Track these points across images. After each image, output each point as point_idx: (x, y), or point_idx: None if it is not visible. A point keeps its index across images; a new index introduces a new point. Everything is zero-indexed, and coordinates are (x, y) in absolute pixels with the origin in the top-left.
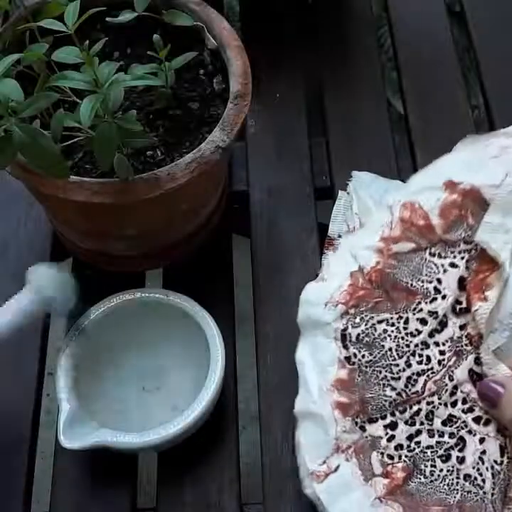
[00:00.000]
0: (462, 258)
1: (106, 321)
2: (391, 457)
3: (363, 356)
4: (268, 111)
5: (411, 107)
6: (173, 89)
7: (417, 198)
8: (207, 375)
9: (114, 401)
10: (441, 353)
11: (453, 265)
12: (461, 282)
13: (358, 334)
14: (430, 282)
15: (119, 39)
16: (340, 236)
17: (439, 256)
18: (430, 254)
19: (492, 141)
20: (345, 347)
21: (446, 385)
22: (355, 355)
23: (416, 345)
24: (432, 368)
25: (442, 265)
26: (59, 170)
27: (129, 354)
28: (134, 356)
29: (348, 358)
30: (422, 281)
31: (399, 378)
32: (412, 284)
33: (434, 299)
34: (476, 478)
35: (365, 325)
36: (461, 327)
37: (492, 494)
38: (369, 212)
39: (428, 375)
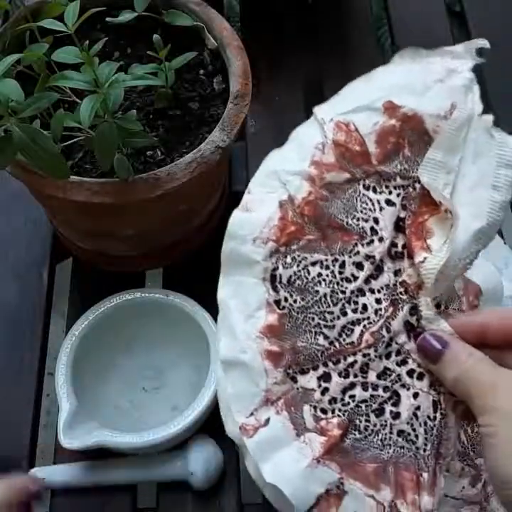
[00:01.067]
0: (398, 195)
1: (106, 321)
2: (324, 411)
3: (295, 301)
4: (268, 111)
5: None
6: (173, 89)
7: (353, 118)
8: (207, 375)
9: (114, 401)
10: (378, 301)
11: (389, 202)
12: (398, 223)
13: (290, 276)
14: (366, 221)
15: (119, 39)
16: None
17: (374, 190)
18: (364, 187)
19: (437, 60)
20: (275, 289)
21: (383, 336)
22: (285, 299)
23: (352, 292)
24: (368, 318)
25: (378, 202)
26: (59, 170)
27: (129, 354)
28: (134, 356)
29: (277, 302)
30: (358, 220)
31: (333, 327)
32: (347, 222)
33: (371, 240)
34: (409, 434)
35: (298, 266)
36: (396, 273)
37: (424, 450)
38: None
39: (365, 326)
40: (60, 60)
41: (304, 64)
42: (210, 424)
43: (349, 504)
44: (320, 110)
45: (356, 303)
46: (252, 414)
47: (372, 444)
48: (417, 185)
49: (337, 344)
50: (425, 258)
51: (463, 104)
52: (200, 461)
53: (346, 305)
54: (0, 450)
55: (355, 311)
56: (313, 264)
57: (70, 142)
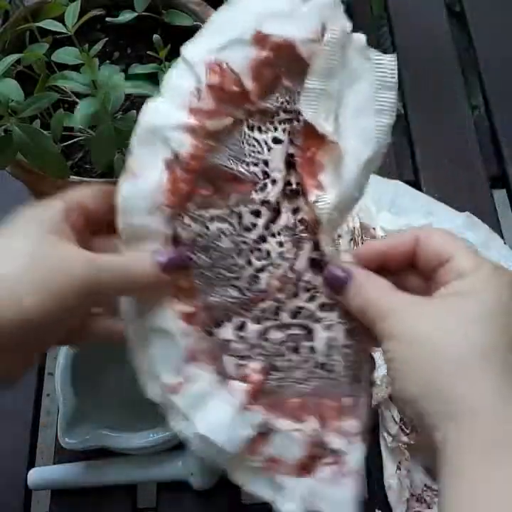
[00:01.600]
0: (284, 130)
1: None
2: (245, 358)
3: (200, 259)
4: None
5: (411, 107)
6: None
7: (224, 56)
8: None
9: (114, 401)
10: (280, 244)
11: (276, 141)
12: (288, 160)
13: (191, 237)
14: (256, 164)
15: (119, 39)
16: (340, 236)
17: (260, 130)
18: (249, 127)
19: None
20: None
21: (290, 278)
22: (193, 261)
23: (254, 241)
24: (273, 263)
25: (265, 142)
26: (59, 170)
27: (130, 354)
28: None
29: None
30: (248, 165)
31: (241, 278)
32: (238, 170)
33: (265, 185)
34: (327, 365)
35: (196, 225)
36: (294, 211)
37: (344, 377)
38: (369, 211)
39: (270, 271)
40: (60, 60)
41: None
42: None
43: (277, 441)
44: (187, 51)
45: (260, 250)
46: (177, 372)
47: (294, 381)
48: (301, 118)
49: (248, 293)
50: (318, 196)
51: (333, 24)
52: (200, 461)
53: (250, 254)
54: (0, 450)
55: (259, 258)
56: (211, 219)
57: (70, 142)
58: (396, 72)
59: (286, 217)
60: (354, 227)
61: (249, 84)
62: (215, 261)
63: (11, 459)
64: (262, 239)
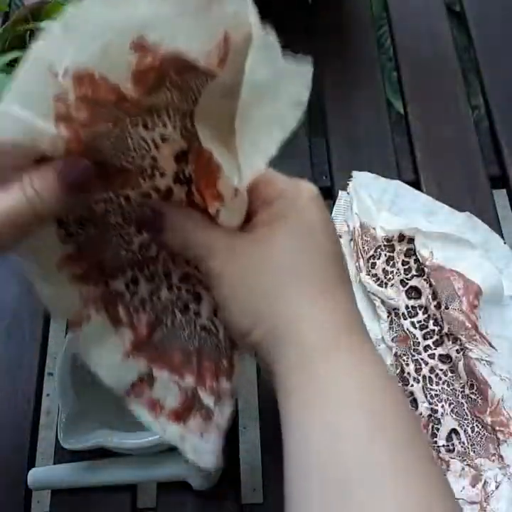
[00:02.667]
0: (175, 128)
1: None
2: (136, 310)
3: (88, 232)
4: None
5: (411, 107)
6: None
7: (96, 65)
8: None
9: (114, 401)
10: None
11: (164, 139)
12: (179, 155)
13: (76, 218)
14: (143, 158)
15: None
16: (340, 236)
17: (146, 127)
18: (133, 124)
19: None
20: (65, 228)
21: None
22: (78, 232)
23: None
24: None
25: (153, 140)
26: None
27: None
28: None
29: (70, 235)
30: (133, 158)
31: (132, 242)
32: (122, 164)
33: (153, 175)
34: (211, 329)
35: (82, 208)
36: (187, 194)
37: (225, 342)
38: (369, 211)
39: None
40: None
41: None
42: None
43: (158, 389)
44: (44, 53)
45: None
46: (76, 312)
47: (179, 338)
48: (195, 123)
49: (139, 255)
50: (218, 211)
51: (237, 32)
52: None
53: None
54: (0, 450)
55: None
56: (96, 202)
57: None
58: (309, 87)
59: (179, 199)
60: (354, 227)
61: (128, 89)
62: (105, 231)
63: (11, 459)
64: None
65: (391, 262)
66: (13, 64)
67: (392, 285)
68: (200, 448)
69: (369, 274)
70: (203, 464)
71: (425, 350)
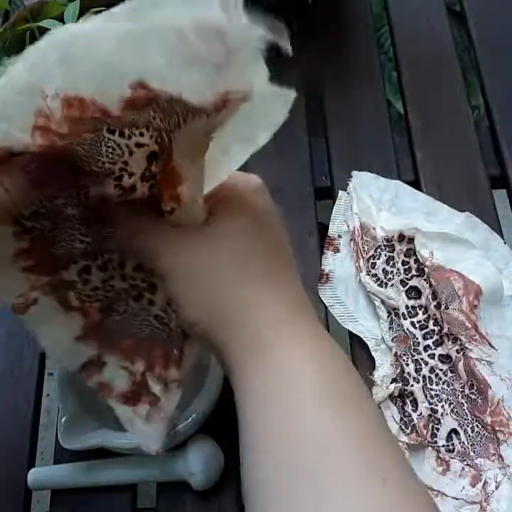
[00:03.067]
0: (151, 137)
1: None
2: (88, 296)
3: (44, 226)
4: None
5: (411, 107)
6: None
7: (89, 91)
8: (207, 375)
9: None
10: None
11: (139, 145)
12: (151, 157)
13: (32, 211)
14: (114, 163)
15: None
16: (340, 236)
17: (122, 135)
18: (109, 131)
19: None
20: (20, 224)
21: None
22: (34, 227)
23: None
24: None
25: (127, 146)
26: None
27: None
28: None
29: (25, 230)
30: (103, 164)
31: (87, 235)
32: (91, 169)
33: (121, 176)
34: (164, 318)
35: (40, 203)
36: (150, 187)
37: (176, 332)
38: (369, 211)
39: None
40: None
41: (304, 64)
42: (210, 424)
43: (107, 372)
44: (36, 72)
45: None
46: (20, 296)
47: (131, 325)
48: (172, 137)
49: (94, 247)
50: (173, 209)
51: (235, 88)
52: (200, 461)
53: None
54: (0, 450)
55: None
56: (56, 197)
57: None
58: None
59: (141, 193)
60: (354, 227)
61: (115, 110)
62: (60, 225)
63: (11, 459)
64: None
65: (391, 262)
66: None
67: (392, 285)
68: (146, 432)
69: (369, 274)
70: (146, 448)
71: (425, 350)
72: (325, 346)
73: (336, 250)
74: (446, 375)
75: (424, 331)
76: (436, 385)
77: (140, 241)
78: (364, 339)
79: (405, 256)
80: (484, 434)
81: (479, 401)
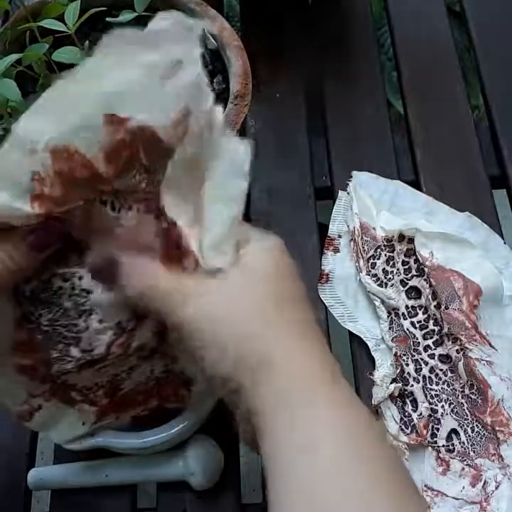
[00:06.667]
0: (138, 210)
1: None
2: (89, 389)
3: (41, 315)
4: (268, 111)
5: (411, 107)
6: None
7: (72, 140)
8: None
9: None
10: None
11: (130, 219)
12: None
13: (32, 289)
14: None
15: None
16: (340, 236)
17: (113, 207)
18: (101, 202)
19: (154, 50)
20: (19, 303)
21: (129, 346)
22: (31, 312)
23: (93, 305)
24: (112, 327)
25: (117, 219)
26: None
27: None
28: None
29: (25, 316)
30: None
31: (81, 339)
32: (85, 242)
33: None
34: (166, 369)
35: (39, 279)
36: None
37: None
38: (369, 211)
39: (111, 336)
40: (60, 60)
41: (304, 64)
42: (210, 424)
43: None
44: (25, 130)
45: (97, 312)
46: (24, 403)
47: (136, 381)
48: (161, 203)
49: (88, 356)
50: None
51: (197, 106)
52: (200, 461)
53: (89, 317)
54: (0, 450)
55: (100, 321)
56: (54, 275)
57: None
58: (248, 161)
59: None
60: (354, 227)
61: (102, 166)
62: (57, 318)
63: (11, 459)
64: (98, 304)
65: (391, 262)
66: (14, 66)
67: (392, 285)
68: None
69: (369, 274)
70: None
71: (425, 350)
72: (355, 412)
73: (336, 250)
74: (446, 375)
75: (424, 331)
76: (436, 385)
77: (160, 289)
78: (364, 339)
79: (405, 256)
80: (484, 434)
81: (479, 401)
